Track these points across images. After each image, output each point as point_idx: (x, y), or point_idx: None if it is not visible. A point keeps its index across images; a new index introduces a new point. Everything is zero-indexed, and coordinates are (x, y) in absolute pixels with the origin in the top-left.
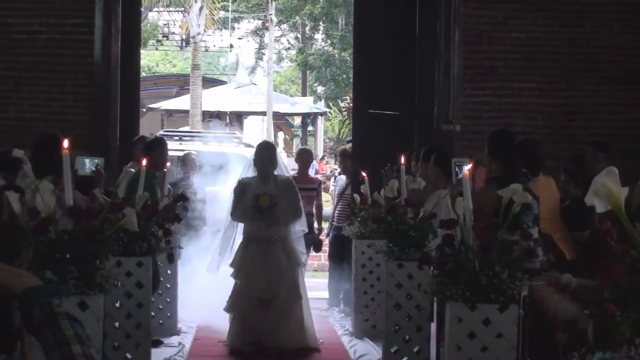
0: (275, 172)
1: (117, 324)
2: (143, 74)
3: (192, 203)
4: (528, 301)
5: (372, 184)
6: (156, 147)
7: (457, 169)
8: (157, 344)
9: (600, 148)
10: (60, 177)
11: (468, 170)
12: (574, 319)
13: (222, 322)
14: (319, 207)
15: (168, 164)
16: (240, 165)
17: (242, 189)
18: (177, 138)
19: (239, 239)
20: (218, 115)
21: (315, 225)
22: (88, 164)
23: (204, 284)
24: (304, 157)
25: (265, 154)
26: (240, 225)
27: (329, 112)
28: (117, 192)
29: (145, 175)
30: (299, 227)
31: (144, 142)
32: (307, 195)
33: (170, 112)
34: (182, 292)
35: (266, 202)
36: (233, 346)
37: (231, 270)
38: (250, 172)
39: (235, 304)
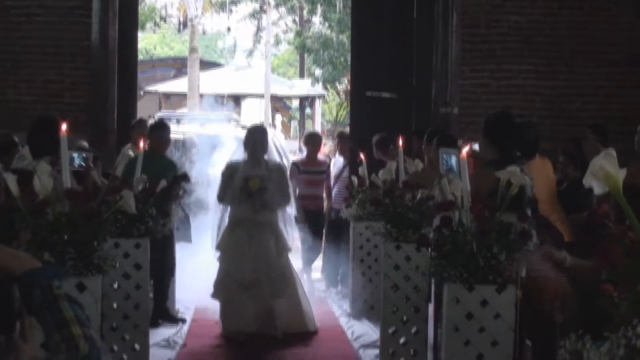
0: (266, 157)
1: (115, 305)
2: (141, 57)
3: (192, 186)
4: (525, 280)
5: (370, 166)
6: (156, 130)
7: (445, 158)
8: (156, 325)
9: (592, 130)
10: (57, 158)
11: (466, 152)
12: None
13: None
14: (329, 189)
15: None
16: (238, 148)
17: (230, 172)
18: (175, 120)
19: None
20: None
21: (325, 206)
22: (77, 159)
23: (201, 265)
24: (314, 141)
25: (256, 137)
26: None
27: (327, 95)
28: (115, 174)
29: (152, 158)
30: (288, 212)
31: (144, 125)
32: (317, 179)
33: (168, 95)
34: (180, 274)
35: (256, 184)
36: (226, 333)
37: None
38: (240, 155)
39: (221, 290)
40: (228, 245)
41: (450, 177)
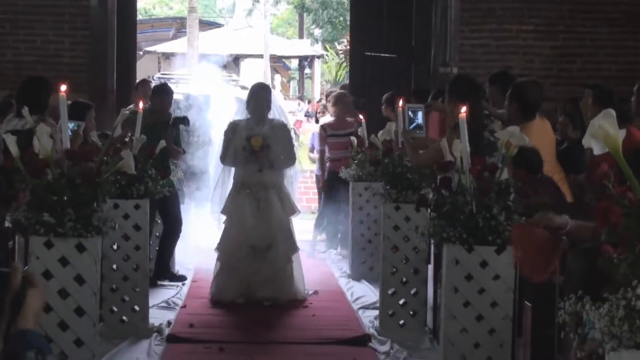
0: (270, 116)
1: (114, 267)
2: (140, 17)
3: (191, 147)
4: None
5: (370, 127)
6: (158, 94)
7: (410, 115)
8: (154, 285)
9: (591, 90)
10: (42, 116)
11: (465, 112)
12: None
13: None
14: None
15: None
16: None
17: (232, 130)
18: (174, 81)
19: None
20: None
21: None
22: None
23: (201, 227)
24: (343, 101)
25: (260, 94)
26: (233, 171)
27: (326, 55)
28: (114, 135)
29: (155, 125)
30: (294, 173)
31: (147, 86)
32: (347, 141)
33: (167, 55)
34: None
35: (258, 142)
36: (220, 298)
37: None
38: (242, 114)
39: (226, 253)
40: (235, 210)
41: (416, 134)
